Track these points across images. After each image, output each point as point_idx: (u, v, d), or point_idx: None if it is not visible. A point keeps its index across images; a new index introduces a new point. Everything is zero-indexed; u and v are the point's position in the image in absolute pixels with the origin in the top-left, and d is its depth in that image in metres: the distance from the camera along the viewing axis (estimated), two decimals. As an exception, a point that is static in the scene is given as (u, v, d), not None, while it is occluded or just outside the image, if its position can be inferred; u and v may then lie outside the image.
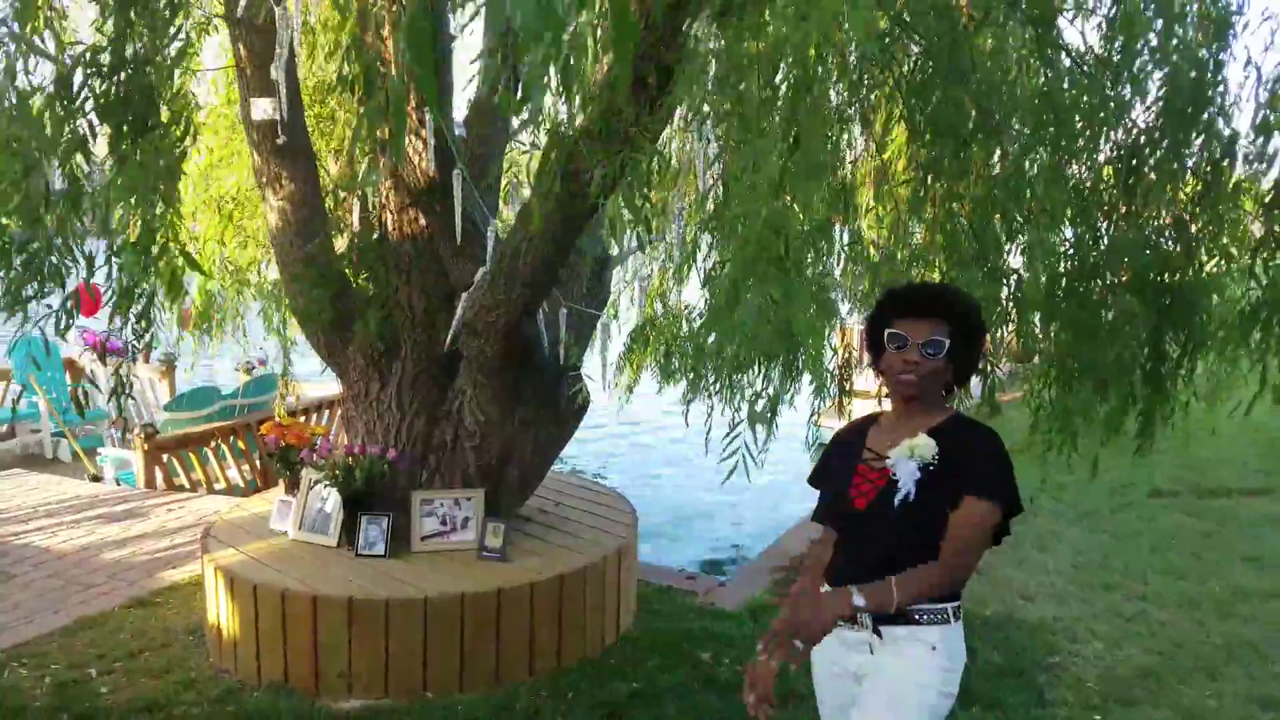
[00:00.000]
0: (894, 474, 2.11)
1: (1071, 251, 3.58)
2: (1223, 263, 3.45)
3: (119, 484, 7.02)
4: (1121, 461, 3.84)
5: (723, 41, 2.74)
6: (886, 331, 2.17)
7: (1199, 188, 3.42)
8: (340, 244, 4.63)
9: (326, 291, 4.33)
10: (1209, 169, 3.33)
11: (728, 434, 2.62)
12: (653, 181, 3.03)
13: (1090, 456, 3.61)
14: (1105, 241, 3.53)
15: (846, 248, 3.74)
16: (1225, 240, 3.44)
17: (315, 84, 4.85)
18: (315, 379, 6.18)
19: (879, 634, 2.14)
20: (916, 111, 3.30)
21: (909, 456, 2.09)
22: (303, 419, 7.05)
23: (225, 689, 3.98)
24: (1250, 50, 3.23)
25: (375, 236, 4.36)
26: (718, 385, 3.12)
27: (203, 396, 7.30)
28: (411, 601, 3.86)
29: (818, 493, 2.43)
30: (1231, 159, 3.21)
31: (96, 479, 7.32)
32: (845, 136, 3.23)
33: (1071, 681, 4.22)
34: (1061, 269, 3.58)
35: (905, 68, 3.38)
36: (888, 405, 2.38)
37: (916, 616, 2.12)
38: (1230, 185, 3.32)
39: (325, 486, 4.37)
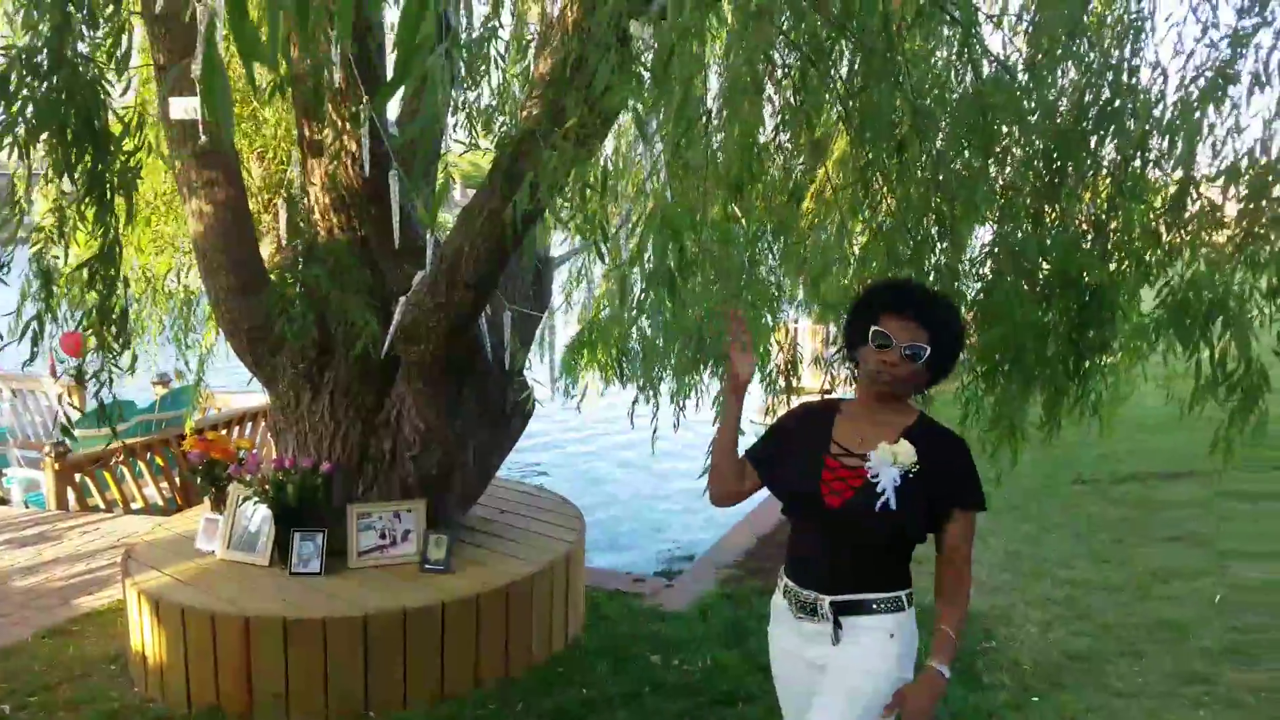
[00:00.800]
0: (872, 475, 2.12)
1: (997, 251, 3.66)
2: (1133, 263, 3.55)
3: (27, 506, 6.68)
4: (1044, 454, 3.96)
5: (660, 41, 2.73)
6: (872, 328, 2.16)
7: (1113, 189, 3.54)
8: (267, 248, 4.47)
9: (253, 298, 4.18)
10: (1119, 170, 3.44)
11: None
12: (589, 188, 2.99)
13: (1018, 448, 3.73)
14: (1023, 240, 3.62)
15: (781, 250, 3.77)
16: (1136, 242, 3.54)
17: (235, 84, 4.68)
18: (240, 390, 5.97)
19: (839, 624, 2.16)
20: (854, 113, 3.34)
21: (892, 462, 2.10)
22: (223, 432, 6.81)
23: (152, 717, 3.82)
24: (1160, 54, 3.35)
25: (306, 241, 4.22)
26: (665, 386, 3.11)
27: (116, 411, 6.97)
28: (350, 620, 3.75)
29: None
30: (1143, 160, 3.32)
31: (2, 501, 6.95)
32: (786, 137, 3.25)
33: (1008, 665, 4.33)
34: (987, 269, 3.66)
35: (842, 69, 3.42)
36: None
37: (874, 606, 2.17)
38: (1138, 185, 3.42)
39: (254, 503, 4.22)
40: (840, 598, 2.16)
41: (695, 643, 4.38)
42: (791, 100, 3.21)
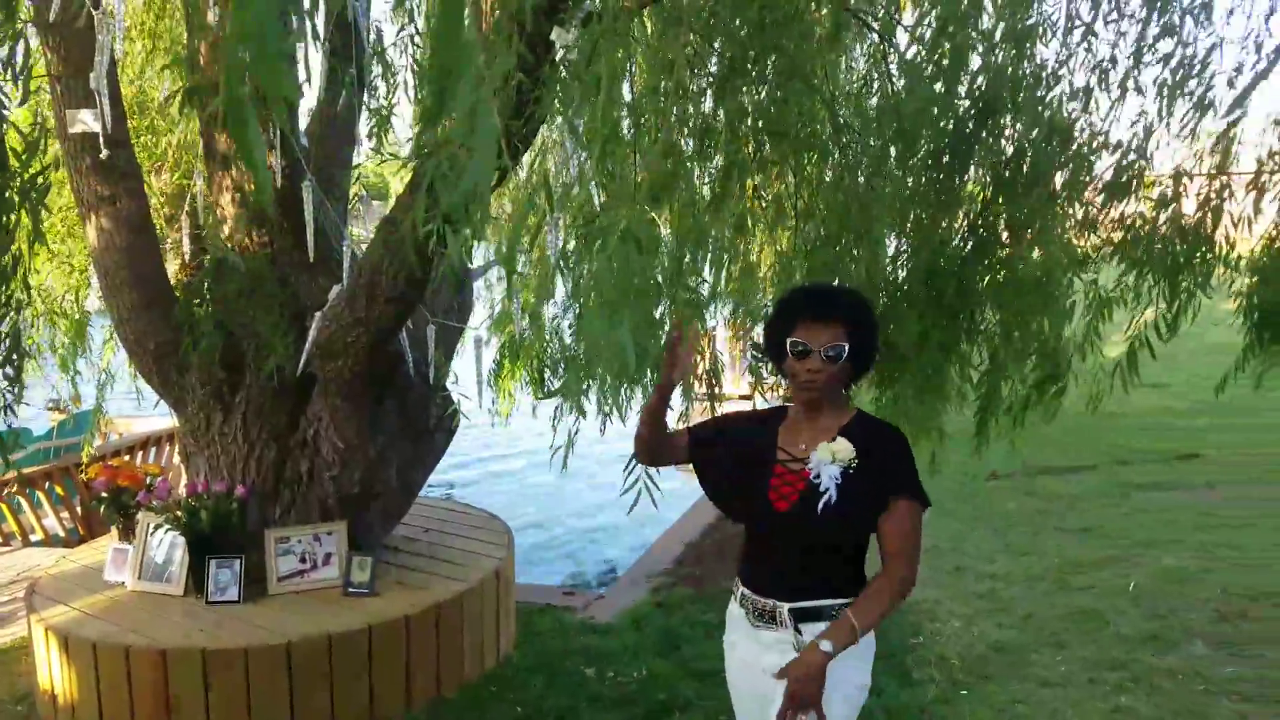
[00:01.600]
0: (814, 476, 2.14)
1: (910, 256, 3.73)
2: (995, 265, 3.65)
3: (-85, 543, 6.28)
4: (960, 452, 4.06)
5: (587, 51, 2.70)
6: (789, 340, 2.18)
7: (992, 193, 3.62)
8: (171, 264, 4.29)
9: (159, 316, 4.01)
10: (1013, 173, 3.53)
11: (627, 465, 2.53)
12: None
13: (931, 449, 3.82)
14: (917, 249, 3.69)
15: (704, 258, 3.76)
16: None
17: (132, 95, 4.50)
18: (144, 414, 5.73)
19: (800, 631, 2.15)
20: (773, 122, 3.35)
21: (830, 461, 2.12)
22: (127, 458, 6.51)
23: (63, 760, 3.62)
24: (1047, 61, 3.44)
25: (214, 256, 4.07)
26: (595, 399, 3.06)
27: (11, 439, 6.62)
28: (272, 648, 3.61)
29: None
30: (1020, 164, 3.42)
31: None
32: (712, 145, 3.24)
33: (936, 660, 4.40)
34: (902, 274, 3.73)
35: (761, 78, 3.43)
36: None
37: (834, 612, 2.15)
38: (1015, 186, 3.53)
39: (166, 530, 4.04)
40: (799, 605, 2.16)
41: (629, 653, 4.35)
42: (713, 109, 3.21)
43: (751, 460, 2.28)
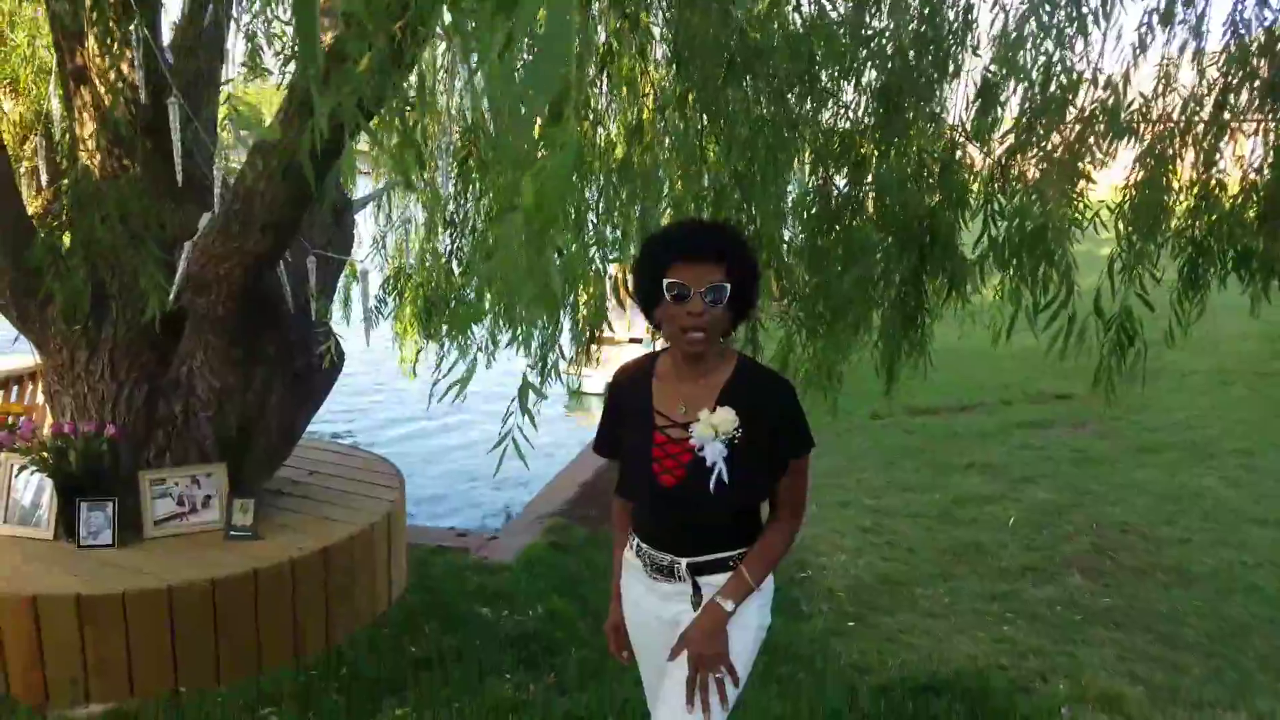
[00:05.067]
0: (699, 449, 1.99)
1: (820, 195, 3.69)
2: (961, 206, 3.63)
3: None
4: (850, 389, 4.06)
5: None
6: (665, 280, 1.93)
7: (954, 130, 3.59)
8: (27, 192, 3.97)
9: (14, 246, 3.71)
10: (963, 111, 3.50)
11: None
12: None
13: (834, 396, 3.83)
14: (864, 183, 3.64)
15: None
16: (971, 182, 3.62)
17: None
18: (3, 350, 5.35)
19: (698, 587, 2.08)
20: (682, 44, 3.24)
21: (714, 436, 1.97)
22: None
23: (-73, 718, 3.39)
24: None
25: (72, 181, 3.77)
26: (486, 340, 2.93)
27: None
28: (153, 593, 3.42)
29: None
30: (987, 99, 3.38)
31: None
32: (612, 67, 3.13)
33: (824, 593, 4.49)
34: (814, 211, 3.68)
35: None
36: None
37: (730, 563, 2.08)
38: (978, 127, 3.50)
39: (32, 472, 3.79)
40: (697, 560, 2.08)
41: (525, 594, 4.30)
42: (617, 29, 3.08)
43: (633, 427, 2.11)
